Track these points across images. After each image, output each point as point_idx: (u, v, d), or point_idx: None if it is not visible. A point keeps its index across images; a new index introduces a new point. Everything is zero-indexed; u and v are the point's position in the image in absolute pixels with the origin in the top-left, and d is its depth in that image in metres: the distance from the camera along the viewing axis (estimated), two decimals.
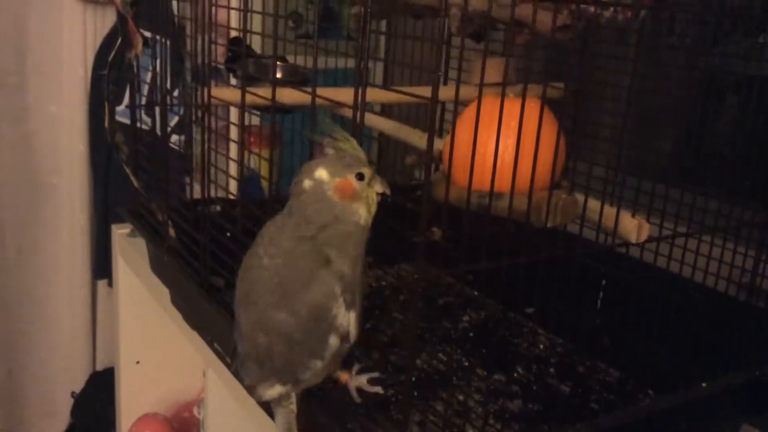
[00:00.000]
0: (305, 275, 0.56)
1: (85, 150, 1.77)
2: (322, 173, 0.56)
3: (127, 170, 0.91)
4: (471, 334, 0.94)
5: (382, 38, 1.77)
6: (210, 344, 0.86)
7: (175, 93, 1.28)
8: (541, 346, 0.92)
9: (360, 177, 0.55)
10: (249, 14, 0.74)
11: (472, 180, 0.52)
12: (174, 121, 1.51)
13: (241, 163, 0.73)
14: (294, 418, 0.61)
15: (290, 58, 1.25)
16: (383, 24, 1.47)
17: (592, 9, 0.67)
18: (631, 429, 0.71)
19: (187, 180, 1.30)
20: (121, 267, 1.26)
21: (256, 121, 1.31)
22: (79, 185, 1.78)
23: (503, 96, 0.54)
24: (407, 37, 1.28)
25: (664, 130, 1.03)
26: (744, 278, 0.86)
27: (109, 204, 1.81)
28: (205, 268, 0.81)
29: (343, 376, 0.66)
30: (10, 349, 1.85)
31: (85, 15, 1.70)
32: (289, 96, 0.72)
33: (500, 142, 0.51)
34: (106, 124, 0.89)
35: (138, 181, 0.91)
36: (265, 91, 0.72)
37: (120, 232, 1.25)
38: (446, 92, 0.75)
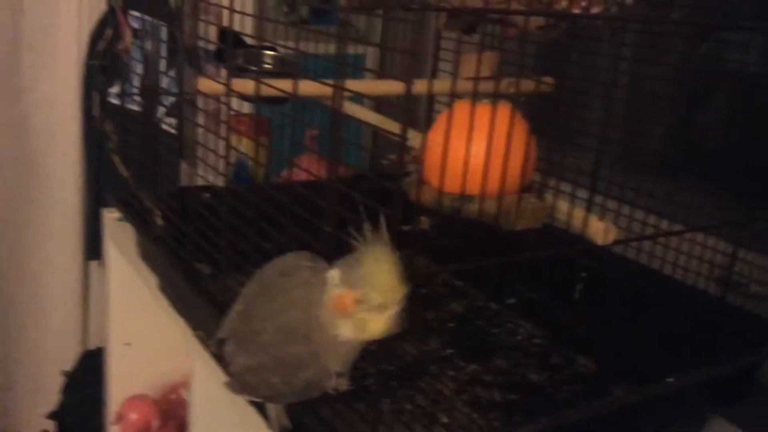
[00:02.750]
0: (302, 359, 0.54)
1: (79, 132, 1.77)
2: (334, 274, 0.50)
3: (116, 159, 0.92)
4: (451, 325, 0.96)
5: (378, 25, 1.78)
6: (193, 331, 0.88)
7: (172, 73, 1.29)
8: (519, 337, 0.94)
9: (362, 301, 0.48)
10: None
11: (444, 183, 0.53)
12: (168, 102, 1.52)
13: (227, 155, 0.74)
14: (283, 408, 0.63)
15: (283, 43, 1.25)
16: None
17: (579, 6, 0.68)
18: (600, 421, 0.74)
19: (180, 165, 1.31)
20: (111, 250, 1.28)
21: (248, 107, 1.32)
22: (72, 167, 1.79)
23: (475, 98, 0.55)
24: (395, 18, 1.29)
25: (651, 124, 1.05)
26: (720, 274, 0.88)
27: (101, 186, 1.82)
28: (190, 257, 0.82)
29: None
30: (0, 326, 1.86)
31: None
32: (277, 88, 0.73)
33: (471, 147, 0.53)
34: (95, 113, 0.90)
35: (127, 170, 0.92)
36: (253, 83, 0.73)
37: (110, 216, 1.26)
38: (425, 86, 0.76)
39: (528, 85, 0.76)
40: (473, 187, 0.54)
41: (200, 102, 0.90)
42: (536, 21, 0.63)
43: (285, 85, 0.73)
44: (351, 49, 0.89)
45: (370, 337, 0.51)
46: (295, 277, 0.54)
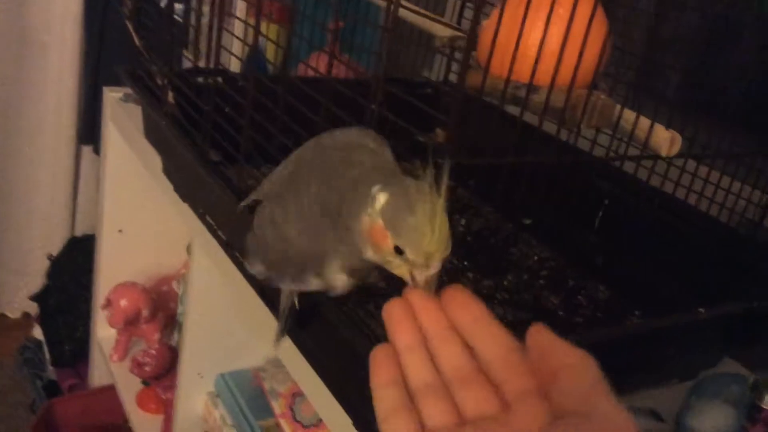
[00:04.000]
0: (320, 246, 0.49)
1: (79, 9, 1.69)
2: (381, 197, 0.43)
3: (129, 26, 0.86)
4: (468, 239, 0.93)
5: None
6: (201, 217, 0.84)
7: None
8: (535, 258, 0.91)
9: (398, 251, 0.42)
10: None
11: (508, 70, 0.49)
12: None
13: (257, 31, 0.69)
14: (295, 294, 0.60)
15: None
16: None
17: None
18: (614, 346, 0.72)
19: (184, 51, 1.25)
20: (110, 132, 1.22)
21: None
22: (70, 45, 1.71)
23: None
24: None
25: (678, 58, 0.99)
26: (748, 212, 0.85)
27: (100, 68, 1.75)
28: (205, 139, 0.78)
29: None
30: None
31: None
32: None
33: (545, 31, 0.48)
34: None
35: (140, 40, 0.86)
36: None
37: (112, 95, 1.20)
38: None
39: None
40: (541, 76, 0.50)
41: None
42: None
43: None
44: None
45: (386, 270, 0.45)
46: (353, 156, 0.48)
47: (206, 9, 0.86)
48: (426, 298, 0.39)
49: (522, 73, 0.50)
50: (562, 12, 0.49)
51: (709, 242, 0.82)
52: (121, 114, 1.15)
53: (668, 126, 0.73)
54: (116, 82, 1.13)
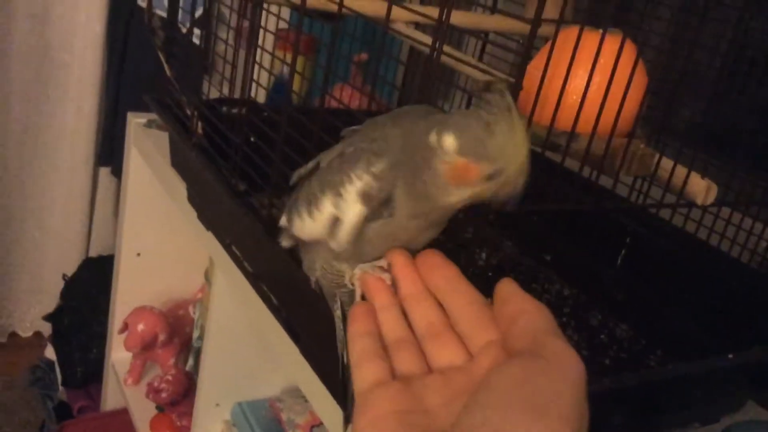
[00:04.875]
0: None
1: (102, 31, 1.71)
2: (449, 140, 0.41)
3: (161, 56, 0.87)
4: (490, 274, 0.93)
5: None
6: (227, 247, 0.84)
7: None
8: (555, 294, 0.91)
9: (492, 176, 0.40)
10: None
11: (548, 117, 0.49)
12: (199, 13, 1.46)
13: (292, 69, 0.69)
14: (341, 322, 0.58)
15: None
16: None
17: None
18: (641, 390, 0.71)
19: (203, 79, 1.26)
20: (133, 157, 1.23)
21: (283, 24, 1.26)
22: (91, 66, 1.73)
23: (603, 32, 0.50)
24: None
25: (697, 96, 1.00)
26: None
27: (120, 89, 1.77)
28: (235, 169, 0.78)
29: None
30: (3, 222, 1.83)
31: None
32: (356, 4, 0.67)
33: (587, 79, 0.48)
34: (145, 4, 0.84)
35: (170, 70, 0.87)
36: None
37: (136, 121, 1.21)
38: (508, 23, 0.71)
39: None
40: (582, 124, 0.50)
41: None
42: None
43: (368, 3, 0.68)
44: None
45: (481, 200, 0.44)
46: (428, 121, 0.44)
47: (224, 35, 0.88)
48: (403, 261, 0.43)
49: (560, 121, 0.51)
50: (603, 62, 0.49)
51: (737, 286, 0.82)
52: (145, 139, 1.16)
53: (704, 172, 0.74)
54: (137, 103, 1.13)
